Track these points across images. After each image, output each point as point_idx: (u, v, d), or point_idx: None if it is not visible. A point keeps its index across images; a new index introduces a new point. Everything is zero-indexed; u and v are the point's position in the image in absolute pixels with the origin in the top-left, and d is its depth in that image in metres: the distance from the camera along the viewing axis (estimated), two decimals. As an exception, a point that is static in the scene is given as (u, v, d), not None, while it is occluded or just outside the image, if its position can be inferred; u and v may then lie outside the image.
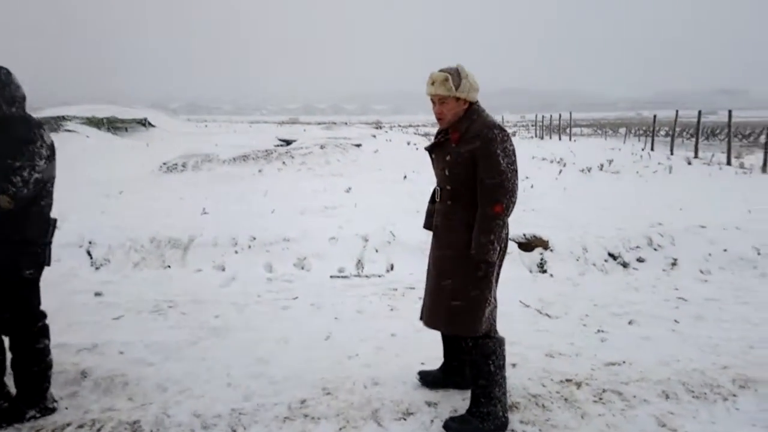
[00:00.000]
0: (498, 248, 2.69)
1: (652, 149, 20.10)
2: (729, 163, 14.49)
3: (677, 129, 20.33)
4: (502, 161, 2.63)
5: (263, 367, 3.47)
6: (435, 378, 3.22)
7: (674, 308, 4.50)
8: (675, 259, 6.24)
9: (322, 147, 15.58)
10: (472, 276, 2.73)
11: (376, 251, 6.29)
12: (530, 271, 5.98)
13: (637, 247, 6.50)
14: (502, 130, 2.68)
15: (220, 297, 4.91)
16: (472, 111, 2.77)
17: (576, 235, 6.62)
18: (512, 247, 6.03)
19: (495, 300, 2.86)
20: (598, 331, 4.04)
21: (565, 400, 3.07)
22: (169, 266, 6.28)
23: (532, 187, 9.67)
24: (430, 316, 2.93)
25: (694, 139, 17.85)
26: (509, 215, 2.69)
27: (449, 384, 3.20)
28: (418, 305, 4.66)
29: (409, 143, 22.34)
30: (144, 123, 25.48)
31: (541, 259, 6.23)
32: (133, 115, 26.31)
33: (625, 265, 6.20)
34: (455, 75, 2.71)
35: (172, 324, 4.30)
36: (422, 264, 5.96)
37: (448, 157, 2.77)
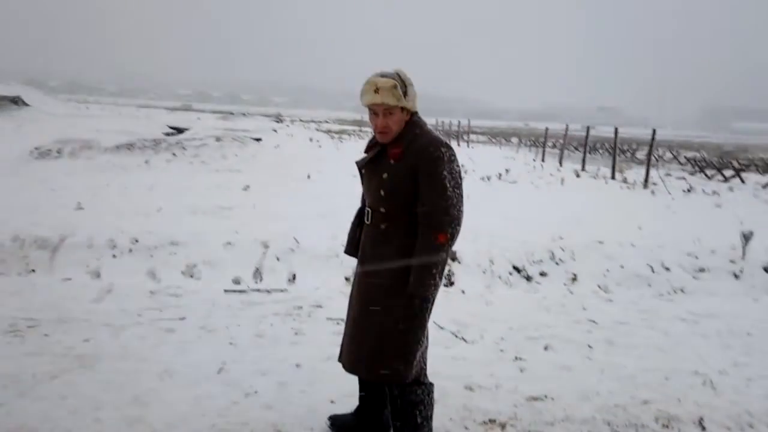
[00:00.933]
0: (439, 283, 2.34)
1: (543, 160, 21.03)
2: (613, 177, 15.35)
3: (562, 142, 21.54)
4: (448, 184, 2.28)
5: (141, 410, 2.88)
6: (348, 424, 2.78)
7: (587, 332, 4.41)
8: (575, 275, 6.31)
9: (218, 139, 14.67)
10: (404, 313, 2.34)
11: (278, 259, 5.79)
12: (437, 283, 5.77)
13: (540, 260, 6.51)
14: (449, 148, 2.33)
15: (92, 315, 4.17)
16: (414, 124, 2.38)
17: (482, 246, 6.52)
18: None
19: (427, 340, 2.49)
20: (516, 358, 3.83)
21: (490, 445, 2.80)
22: (34, 270, 5.43)
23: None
24: (350, 358, 2.49)
25: (578, 152, 18.89)
26: (453, 245, 2.32)
27: None
28: (326, 327, 4.25)
29: (311, 140, 21.81)
30: (16, 101, 23.12)
31: (449, 271, 6.05)
32: (3, 92, 23.70)
33: (528, 278, 6.19)
34: (400, 82, 2.30)
35: (31, 350, 3.56)
36: (328, 275, 5.58)
37: (384, 175, 2.35)
